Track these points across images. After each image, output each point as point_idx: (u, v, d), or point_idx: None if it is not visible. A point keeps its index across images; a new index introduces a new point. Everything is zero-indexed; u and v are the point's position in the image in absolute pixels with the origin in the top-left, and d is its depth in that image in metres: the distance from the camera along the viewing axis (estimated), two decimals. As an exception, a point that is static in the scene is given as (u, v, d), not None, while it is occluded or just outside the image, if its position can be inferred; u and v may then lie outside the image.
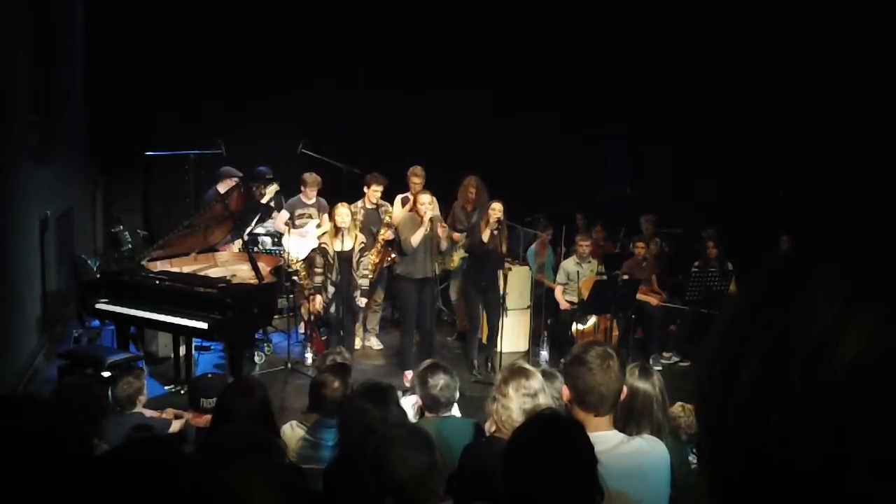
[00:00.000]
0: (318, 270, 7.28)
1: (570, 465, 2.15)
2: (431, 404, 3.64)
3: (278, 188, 8.09)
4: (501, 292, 7.64)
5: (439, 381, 3.62)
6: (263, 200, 8.09)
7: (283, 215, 8.13)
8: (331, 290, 7.31)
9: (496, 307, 7.61)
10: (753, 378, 0.61)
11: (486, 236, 7.33)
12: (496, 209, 7.33)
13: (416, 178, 7.93)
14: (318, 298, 7.27)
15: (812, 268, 0.62)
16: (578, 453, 2.17)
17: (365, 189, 7.93)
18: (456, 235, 8.05)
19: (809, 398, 0.57)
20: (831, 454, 0.56)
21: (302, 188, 8.14)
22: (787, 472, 0.58)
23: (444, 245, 7.35)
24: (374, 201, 7.93)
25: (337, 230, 7.22)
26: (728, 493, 0.63)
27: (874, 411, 0.55)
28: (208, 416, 3.89)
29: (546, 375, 3.48)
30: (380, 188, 7.88)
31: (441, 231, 7.26)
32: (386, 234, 7.79)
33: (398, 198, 8.13)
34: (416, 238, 7.12)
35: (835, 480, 0.56)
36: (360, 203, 7.84)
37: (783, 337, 0.60)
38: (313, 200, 8.19)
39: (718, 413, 0.64)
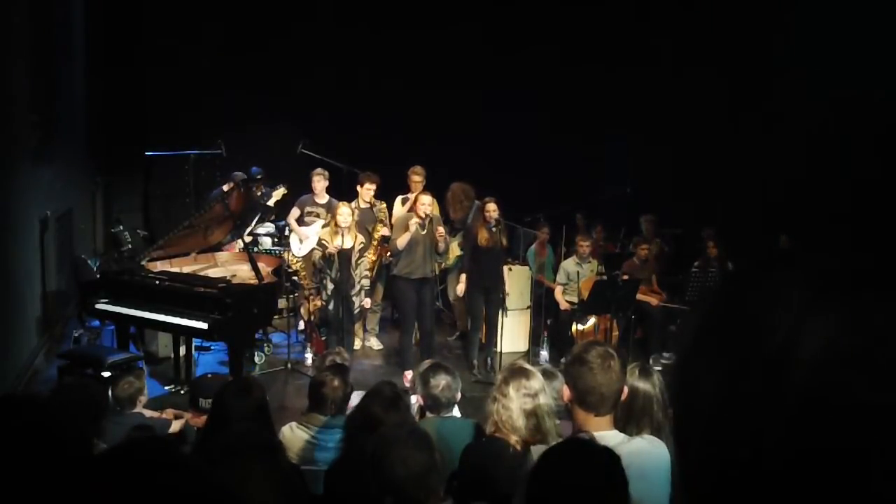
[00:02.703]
0: (319, 252, 7.30)
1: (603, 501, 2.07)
2: (433, 404, 3.64)
3: (285, 191, 8.12)
4: (505, 289, 7.65)
5: (441, 381, 3.62)
6: (269, 202, 8.12)
7: (294, 212, 8.15)
8: (329, 286, 7.32)
9: (497, 305, 7.61)
10: (717, 390, 0.62)
11: (482, 238, 7.32)
12: (491, 208, 7.34)
13: (417, 176, 7.93)
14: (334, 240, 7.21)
15: (772, 276, 0.64)
16: (612, 489, 2.08)
17: (358, 188, 7.94)
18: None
19: (773, 405, 0.58)
20: (798, 459, 0.57)
21: (312, 184, 8.17)
22: (756, 482, 0.59)
23: (441, 247, 7.35)
24: (368, 200, 7.94)
25: (338, 229, 7.22)
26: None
27: (836, 413, 0.56)
28: (206, 417, 3.88)
29: (546, 375, 3.48)
30: (373, 187, 7.89)
31: (439, 232, 7.26)
32: (382, 230, 7.82)
33: (398, 198, 8.13)
34: (402, 241, 7.12)
35: (803, 485, 0.57)
36: (353, 203, 7.84)
37: (745, 347, 0.61)
38: (325, 199, 8.19)
39: (686, 426, 0.66)
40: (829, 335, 0.58)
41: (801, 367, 0.58)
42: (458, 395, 3.77)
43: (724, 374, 0.62)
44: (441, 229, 7.25)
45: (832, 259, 0.63)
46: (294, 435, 3.73)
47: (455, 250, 8.19)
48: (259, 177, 7.81)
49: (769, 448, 0.58)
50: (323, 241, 7.31)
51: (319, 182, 8.16)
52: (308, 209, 8.20)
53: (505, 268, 7.72)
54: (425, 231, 7.17)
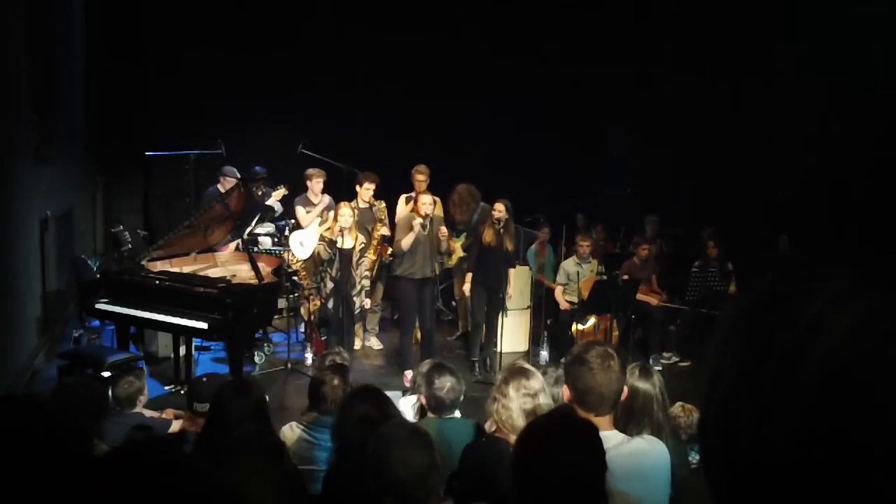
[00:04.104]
0: (322, 246, 7.29)
1: (582, 468, 2.11)
2: (436, 405, 3.62)
3: (286, 191, 8.10)
4: (508, 291, 7.65)
5: (446, 382, 3.60)
6: (270, 202, 8.12)
7: (300, 211, 8.13)
8: (330, 285, 7.32)
9: (498, 306, 7.61)
10: (731, 378, 0.63)
11: (487, 238, 7.34)
12: (497, 209, 7.35)
13: (421, 175, 7.93)
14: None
15: (806, 272, 0.64)
16: (590, 456, 2.14)
17: (357, 188, 7.94)
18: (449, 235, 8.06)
19: (784, 395, 0.58)
20: (808, 449, 0.57)
21: (307, 183, 8.16)
22: (764, 472, 0.60)
23: (443, 247, 7.36)
24: (367, 200, 7.94)
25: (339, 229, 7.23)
26: (720, 495, 0.65)
27: (854, 403, 0.56)
28: (201, 421, 3.84)
29: (557, 381, 3.47)
30: (372, 187, 7.89)
31: (442, 232, 7.26)
32: (382, 229, 7.81)
33: (402, 197, 8.13)
34: (406, 241, 7.12)
35: (812, 475, 0.57)
36: (353, 203, 7.83)
37: (764, 337, 0.61)
38: (320, 198, 8.19)
39: (704, 416, 0.66)
40: (850, 329, 0.57)
41: (816, 360, 0.57)
42: (462, 397, 3.75)
43: (737, 365, 0.62)
44: (443, 229, 7.26)
45: (871, 256, 0.63)
46: (294, 434, 3.74)
47: (459, 251, 8.19)
48: (259, 177, 7.80)
49: (778, 443, 0.58)
50: (324, 236, 7.33)
51: (318, 183, 8.15)
52: (306, 209, 8.19)
53: (510, 271, 7.71)
54: (426, 231, 7.18)
